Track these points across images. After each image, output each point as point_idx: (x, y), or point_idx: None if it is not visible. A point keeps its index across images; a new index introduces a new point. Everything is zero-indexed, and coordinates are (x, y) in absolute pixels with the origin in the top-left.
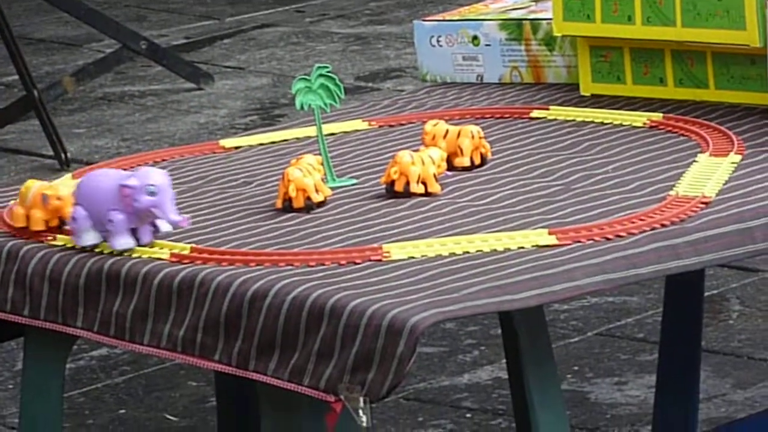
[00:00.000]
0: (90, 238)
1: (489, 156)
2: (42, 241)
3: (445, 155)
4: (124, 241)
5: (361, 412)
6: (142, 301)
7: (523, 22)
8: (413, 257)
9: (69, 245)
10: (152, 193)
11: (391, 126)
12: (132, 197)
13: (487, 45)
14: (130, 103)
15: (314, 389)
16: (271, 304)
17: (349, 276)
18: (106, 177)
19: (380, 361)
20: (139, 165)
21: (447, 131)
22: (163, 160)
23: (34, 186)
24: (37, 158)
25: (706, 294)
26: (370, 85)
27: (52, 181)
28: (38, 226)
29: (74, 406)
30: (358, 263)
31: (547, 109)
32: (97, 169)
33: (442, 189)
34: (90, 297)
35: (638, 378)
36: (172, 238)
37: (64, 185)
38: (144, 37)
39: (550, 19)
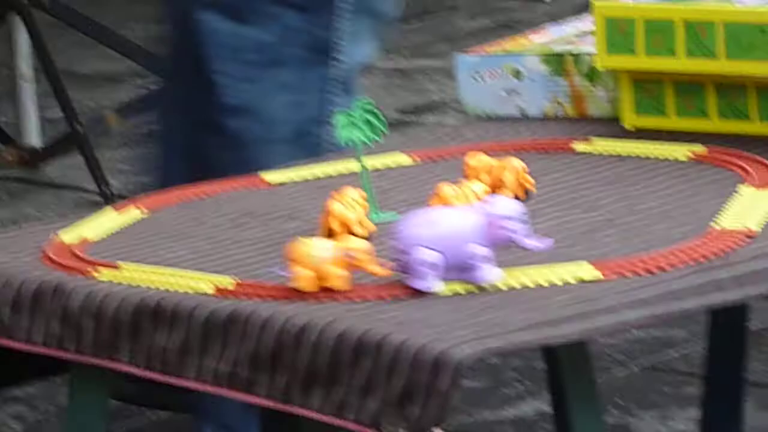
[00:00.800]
0: (437, 283)
1: (531, 190)
2: (87, 276)
3: (488, 189)
4: (496, 272)
5: None
6: (187, 336)
7: (566, 55)
8: (457, 292)
9: (115, 280)
10: (521, 221)
11: (433, 160)
12: (502, 227)
13: (529, 79)
14: None
15: (358, 424)
16: (316, 339)
17: (394, 311)
18: (457, 214)
19: (424, 395)
20: (190, 199)
21: (489, 165)
22: (207, 195)
23: (321, 245)
24: (81, 194)
25: (751, 327)
26: (412, 118)
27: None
28: (340, 284)
29: None
30: (403, 298)
31: (590, 143)
32: (417, 212)
33: None
34: (136, 332)
35: (682, 411)
36: (218, 272)
37: (352, 239)
38: None
39: (593, 52)
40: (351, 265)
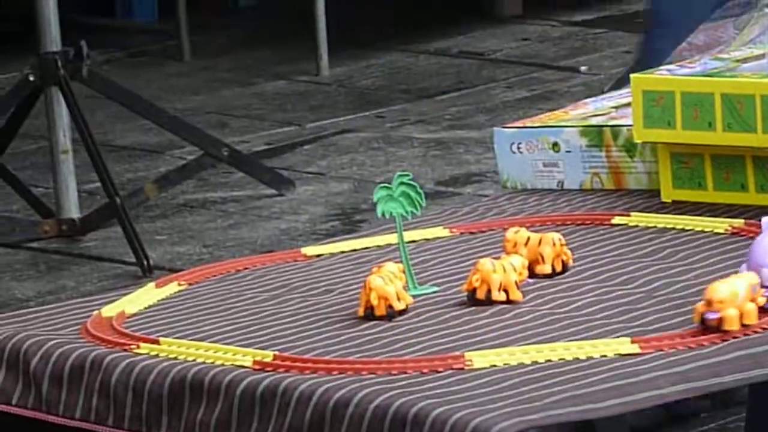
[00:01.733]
0: None
1: (570, 263)
2: (126, 350)
3: (526, 263)
4: None
5: None
6: (225, 410)
7: (604, 128)
8: (495, 365)
9: (152, 353)
10: None
11: (472, 233)
12: None
13: (567, 151)
14: (212, 210)
15: None
16: (354, 413)
17: (432, 384)
18: None
19: None
20: (228, 272)
21: (528, 238)
22: (245, 268)
23: (741, 283)
24: (120, 265)
25: None
26: (450, 189)
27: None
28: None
29: None
30: (441, 372)
31: (629, 216)
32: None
33: (524, 297)
34: (173, 406)
35: None
36: (256, 345)
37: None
38: (225, 143)
39: (631, 125)
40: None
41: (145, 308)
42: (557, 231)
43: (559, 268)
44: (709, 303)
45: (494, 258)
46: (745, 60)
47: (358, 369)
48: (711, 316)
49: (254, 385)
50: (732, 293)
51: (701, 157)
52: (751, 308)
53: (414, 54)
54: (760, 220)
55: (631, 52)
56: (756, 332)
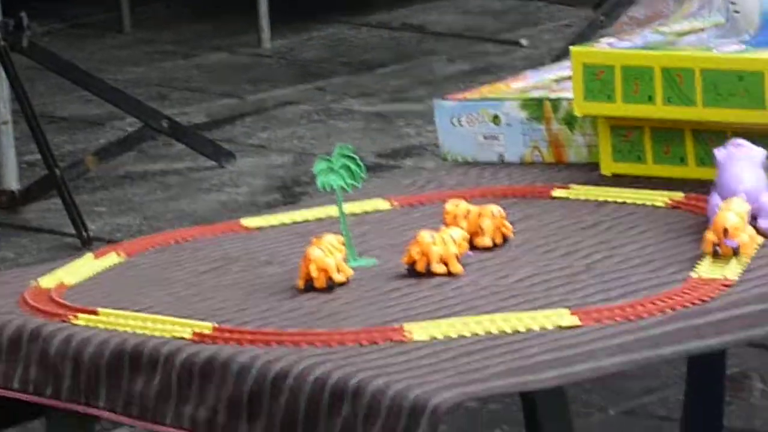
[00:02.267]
0: None
1: (510, 236)
2: (64, 321)
3: (466, 235)
4: None
5: None
6: (165, 382)
7: (544, 101)
8: (435, 337)
9: (91, 324)
10: None
11: (412, 205)
12: None
13: (508, 124)
14: (152, 182)
15: None
16: (293, 384)
17: (371, 356)
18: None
19: None
20: (168, 244)
21: (468, 211)
22: (185, 240)
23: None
24: (59, 237)
25: (728, 372)
26: (391, 162)
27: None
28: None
29: None
30: (380, 344)
31: (568, 189)
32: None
33: (464, 269)
34: (112, 377)
35: None
36: (196, 317)
37: None
38: (166, 115)
39: (571, 98)
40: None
41: (84, 279)
42: (497, 204)
43: (499, 241)
44: (725, 232)
45: (434, 230)
46: (685, 33)
47: (297, 341)
48: (731, 243)
49: (193, 357)
50: (741, 219)
51: (641, 131)
52: (754, 232)
53: (355, 26)
54: (699, 194)
55: (572, 26)
56: (695, 303)
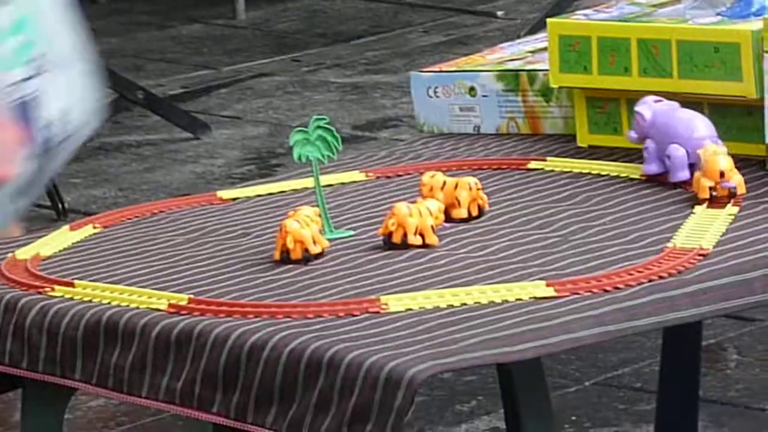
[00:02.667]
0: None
1: (486, 207)
2: (40, 293)
3: (442, 207)
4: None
5: None
6: (140, 353)
7: (520, 73)
8: (411, 309)
9: (67, 296)
10: None
11: (388, 177)
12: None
13: (484, 96)
14: (127, 153)
15: None
16: (269, 356)
17: (347, 328)
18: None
19: (378, 412)
20: (143, 215)
21: (444, 182)
22: (161, 211)
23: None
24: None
25: (704, 343)
26: (366, 134)
27: (49, 232)
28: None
29: None
30: (356, 315)
31: (544, 160)
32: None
33: (440, 241)
34: (88, 349)
35: (636, 428)
36: (171, 288)
37: None
38: (141, 86)
39: (547, 70)
40: None
41: (60, 251)
42: (473, 175)
43: (475, 213)
44: (721, 175)
45: (410, 202)
46: (661, 5)
47: (274, 312)
48: (728, 185)
49: (169, 328)
50: (731, 161)
51: (617, 102)
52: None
53: None
54: None
55: None
56: (671, 275)
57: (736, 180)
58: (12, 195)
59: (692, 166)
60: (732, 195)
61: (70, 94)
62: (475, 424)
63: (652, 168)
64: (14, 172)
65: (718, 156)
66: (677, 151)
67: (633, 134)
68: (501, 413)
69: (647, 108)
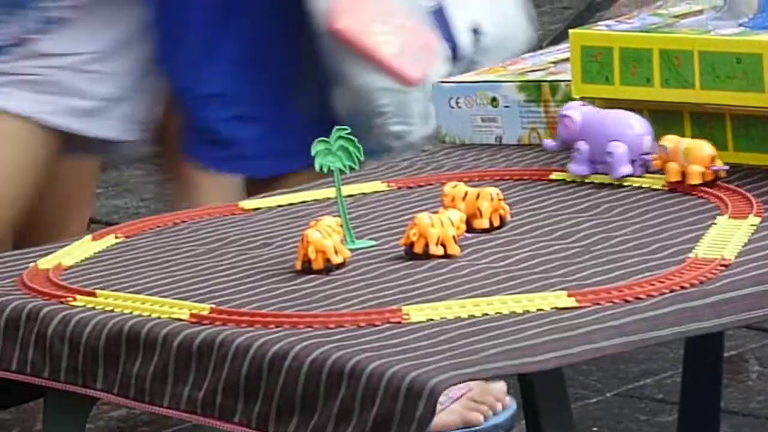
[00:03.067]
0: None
1: (508, 218)
2: (62, 302)
3: (464, 217)
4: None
5: None
6: (162, 363)
7: (542, 83)
8: (432, 319)
9: (89, 306)
10: None
11: (410, 187)
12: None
13: (505, 106)
14: (149, 163)
15: None
16: (291, 366)
17: (369, 338)
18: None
19: (399, 423)
20: (165, 225)
21: (466, 193)
22: (183, 221)
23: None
24: None
25: (726, 354)
26: None
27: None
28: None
29: None
30: (378, 325)
31: (566, 171)
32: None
33: (462, 251)
34: (110, 359)
35: None
36: (193, 298)
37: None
38: None
39: (569, 80)
40: None
41: (82, 260)
42: (495, 186)
43: (496, 223)
44: (712, 159)
45: (432, 212)
46: (683, 16)
47: (295, 322)
48: (718, 168)
49: (191, 338)
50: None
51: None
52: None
53: None
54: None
55: (571, 8)
56: (693, 285)
57: (722, 168)
58: (421, 102)
59: (633, 162)
60: (717, 178)
61: (484, 8)
62: None
63: (583, 169)
64: (424, 75)
65: (698, 143)
66: (618, 148)
67: (551, 143)
68: (522, 424)
69: (576, 111)
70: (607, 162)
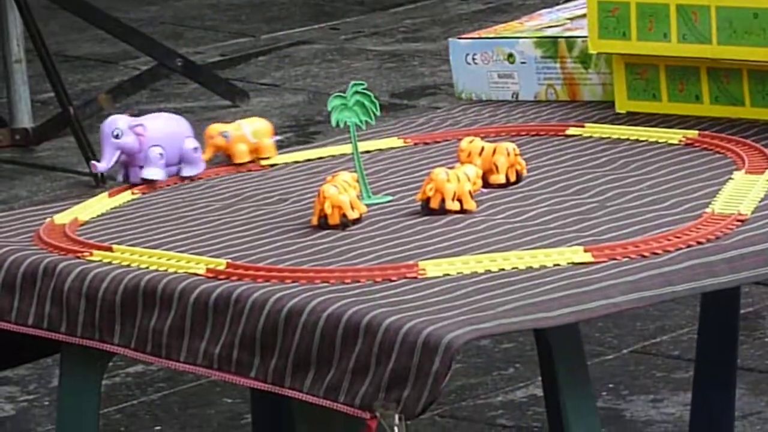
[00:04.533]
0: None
1: (524, 173)
2: (79, 257)
3: (480, 172)
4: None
5: (396, 429)
6: (179, 318)
7: (559, 39)
8: (448, 274)
9: (105, 261)
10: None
11: (426, 143)
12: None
13: (522, 63)
14: None
15: (349, 406)
16: (307, 321)
17: (385, 293)
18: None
19: (415, 378)
20: (181, 181)
21: (482, 148)
22: (199, 178)
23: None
24: (73, 175)
25: (742, 311)
26: (405, 102)
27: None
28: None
29: (110, 423)
30: (394, 280)
31: (583, 127)
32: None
33: (478, 206)
34: (126, 313)
35: (674, 395)
36: (209, 254)
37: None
38: (180, 54)
39: (586, 36)
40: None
41: (98, 216)
42: (512, 141)
43: (513, 178)
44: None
45: (448, 168)
46: None
47: (312, 278)
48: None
49: (207, 293)
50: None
51: (656, 69)
52: None
53: None
54: (714, 131)
55: None
56: (709, 240)
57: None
58: None
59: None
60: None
61: None
62: (512, 392)
63: (163, 174)
64: None
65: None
66: (195, 144)
67: (100, 165)
68: (539, 381)
69: (146, 120)
70: (188, 159)
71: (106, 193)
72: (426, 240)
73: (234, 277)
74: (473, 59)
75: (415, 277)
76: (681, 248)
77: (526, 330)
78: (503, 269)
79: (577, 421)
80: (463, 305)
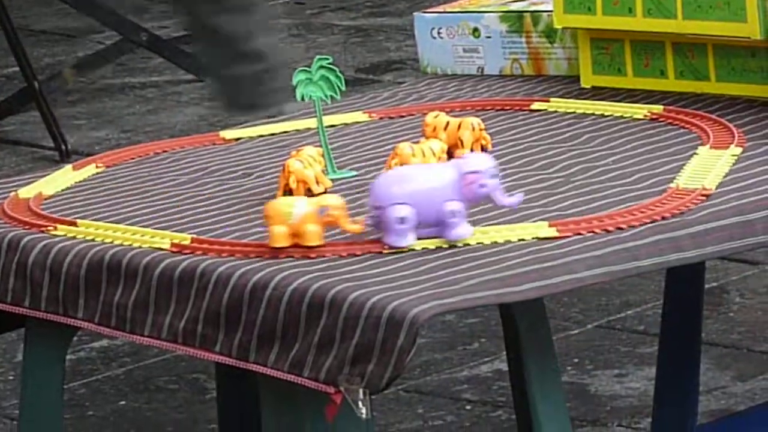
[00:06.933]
0: (411, 238)
1: (489, 148)
2: (43, 232)
3: (445, 147)
4: (469, 229)
5: (360, 403)
6: (143, 292)
7: (524, 14)
8: (413, 249)
9: (69, 235)
10: (494, 176)
11: (391, 118)
12: (477, 183)
13: (487, 37)
14: (131, 95)
15: (314, 381)
16: (272, 295)
17: (350, 268)
18: (432, 170)
19: (380, 352)
20: (146, 155)
21: (447, 123)
22: (164, 151)
23: (298, 202)
24: (38, 149)
25: (707, 286)
26: (370, 77)
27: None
28: (316, 240)
29: (74, 398)
30: (359, 255)
31: (548, 101)
32: (395, 169)
33: None
34: (91, 288)
35: (638, 370)
36: (174, 228)
37: (328, 197)
38: (145, 28)
39: (551, 11)
40: (326, 221)
41: (63, 190)
42: (477, 116)
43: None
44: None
45: (413, 142)
46: None
47: (276, 252)
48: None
49: (172, 268)
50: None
51: (621, 43)
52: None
53: None
54: (679, 106)
55: None
56: (674, 215)
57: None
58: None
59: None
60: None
61: None
62: (477, 367)
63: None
64: None
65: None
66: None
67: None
68: (504, 355)
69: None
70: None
71: (70, 167)
72: None
73: (199, 252)
74: (438, 33)
75: (380, 252)
76: (646, 223)
77: (491, 305)
78: (468, 244)
79: (542, 396)
80: (427, 280)
